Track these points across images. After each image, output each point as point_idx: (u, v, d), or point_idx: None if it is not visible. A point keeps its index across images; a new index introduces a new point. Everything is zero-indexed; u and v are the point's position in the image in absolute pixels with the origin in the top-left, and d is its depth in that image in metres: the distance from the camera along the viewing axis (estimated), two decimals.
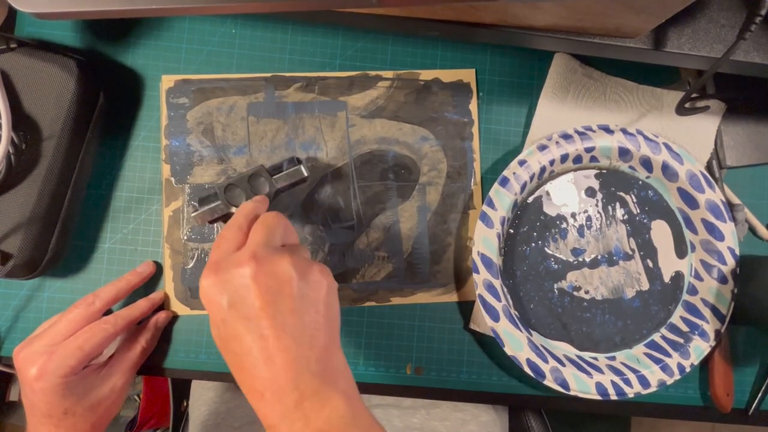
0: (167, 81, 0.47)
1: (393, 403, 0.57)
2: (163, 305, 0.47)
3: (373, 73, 0.48)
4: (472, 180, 0.49)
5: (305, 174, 0.43)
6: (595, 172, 0.49)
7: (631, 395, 0.45)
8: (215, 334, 0.32)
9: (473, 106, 0.49)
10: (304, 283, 0.32)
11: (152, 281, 0.47)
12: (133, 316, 0.43)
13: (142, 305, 0.44)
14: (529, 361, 0.45)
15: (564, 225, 0.48)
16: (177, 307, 0.47)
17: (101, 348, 0.40)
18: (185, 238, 0.47)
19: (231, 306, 0.30)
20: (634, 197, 0.49)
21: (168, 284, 0.47)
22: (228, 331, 0.31)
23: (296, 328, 0.31)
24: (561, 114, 0.49)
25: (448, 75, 0.49)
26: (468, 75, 0.49)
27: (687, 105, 0.43)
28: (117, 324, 0.41)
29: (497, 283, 0.45)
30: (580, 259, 0.48)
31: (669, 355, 0.46)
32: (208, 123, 0.47)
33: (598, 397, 0.45)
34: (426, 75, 0.49)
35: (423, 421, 0.55)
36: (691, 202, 0.47)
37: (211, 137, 0.47)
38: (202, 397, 0.60)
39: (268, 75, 0.48)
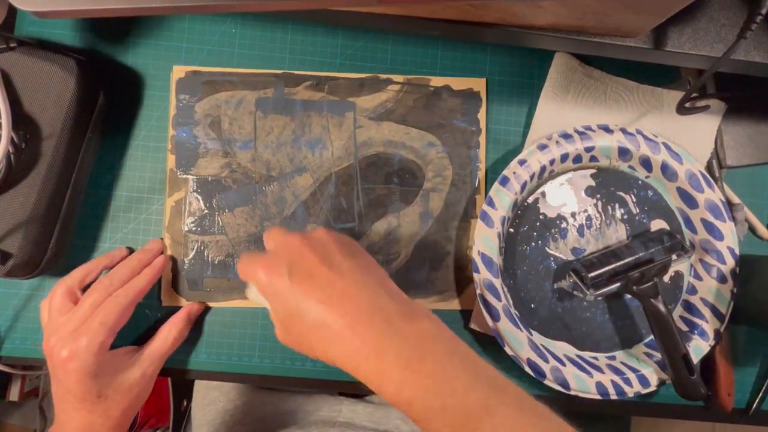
0: (178, 72, 0.47)
1: None
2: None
3: (383, 76, 0.48)
4: (476, 189, 0.49)
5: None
6: (594, 171, 0.49)
7: (631, 395, 0.45)
8: (279, 316, 0.34)
9: (482, 115, 0.49)
10: (340, 241, 0.35)
11: None
12: (141, 285, 0.43)
13: (147, 273, 0.44)
14: (529, 361, 0.45)
15: (564, 224, 0.48)
16: (173, 299, 0.47)
17: (122, 320, 0.41)
18: (186, 229, 0.47)
19: (289, 273, 0.32)
20: (633, 197, 0.49)
21: (166, 275, 0.47)
22: (294, 299, 0.32)
23: (353, 268, 0.33)
24: (561, 113, 0.49)
25: (458, 83, 0.49)
26: (478, 84, 0.49)
27: (687, 104, 0.43)
28: (129, 295, 0.42)
29: (497, 283, 0.45)
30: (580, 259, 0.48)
31: None
32: (215, 116, 0.47)
33: (598, 397, 0.45)
34: (436, 81, 0.49)
35: None
36: (691, 202, 0.47)
37: (217, 130, 0.47)
38: (207, 396, 0.60)
39: (279, 72, 0.48)
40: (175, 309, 0.47)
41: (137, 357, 0.43)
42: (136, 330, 0.47)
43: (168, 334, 0.44)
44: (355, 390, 0.49)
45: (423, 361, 0.30)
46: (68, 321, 0.40)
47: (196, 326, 0.47)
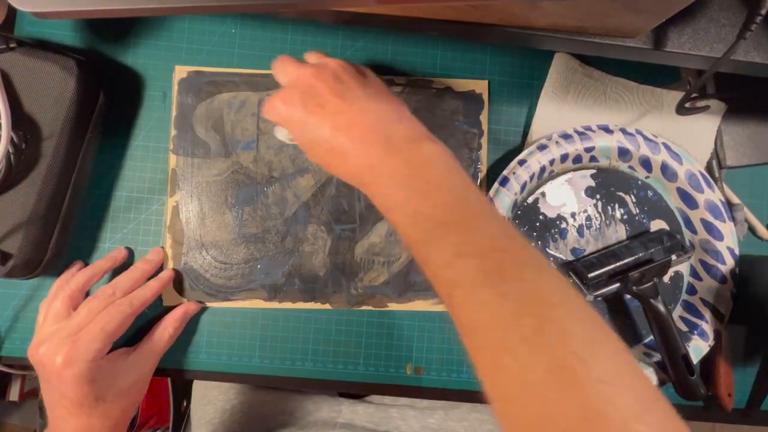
0: (180, 72, 0.47)
1: (409, 403, 0.57)
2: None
3: (385, 77, 0.48)
4: None
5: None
6: (594, 171, 0.49)
7: None
8: (301, 142, 0.37)
9: (484, 117, 0.49)
10: (354, 70, 0.37)
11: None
12: (147, 297, 0.43)
13: (153, 285, 0.44)
14: None
15: (564, 225, 0.48)
16: (174, 298, 0.47)
17: (122, 329, 0.41)
18: (187, 229, 0.47)
19: (304, 104, 0.35)
20: (633, 197, 0.49)
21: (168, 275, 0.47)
22: (310, 128, 0.35)
23: (363, 97, 0.35)
24: (561, 114, 0.49)
25: (460, 85, 0.49)
26: (480, 86, 0.49)
27: (687, 105, 0.43)
28: (133, 305, 0.42)
29: None
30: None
31: None
32: (218, 116, 0.47)
33: None
34: (438, 83, 0.49)
35: (440, 421, 0.55)
36: (691, 202, 0.47)
37: (220, 130, 0.47)
38: (206, 396, 0.60)
39: None
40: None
41: (134, 358, 0.43)
42: (134, 329, 0.47)
43: (164, 333, 0.44)
44: (354, 390, 0.49)
45: (411, 177, 0.32)
46: (61, 328, 0.39)
47: (195, 326, 0.47)
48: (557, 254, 0.48)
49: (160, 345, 0.44)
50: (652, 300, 0.45)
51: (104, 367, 0.40)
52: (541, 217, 0.48)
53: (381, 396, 0.59)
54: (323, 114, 0.34)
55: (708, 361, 0.48)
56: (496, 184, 0.46)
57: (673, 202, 0.49)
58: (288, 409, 0.56)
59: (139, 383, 0.43)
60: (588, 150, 0.46)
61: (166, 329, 0.45)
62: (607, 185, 0.49)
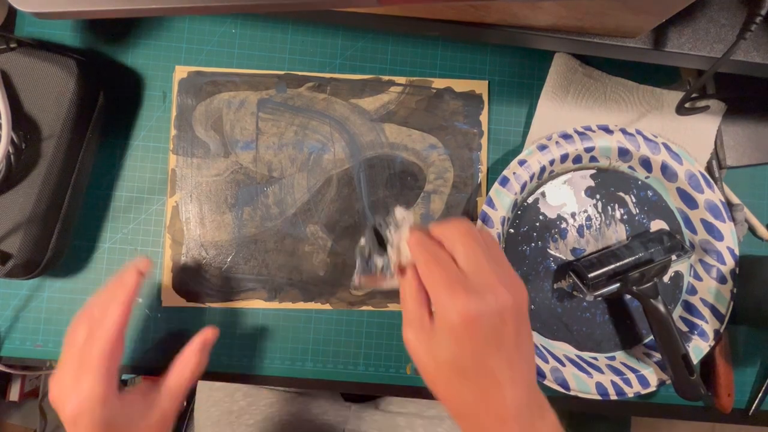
0: (180, 72, 0.47)
1: (416, 411, 0.57)
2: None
3: (385, 77, 0.48)
4: (477, 191, 0.49)
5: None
6: (594, 172, 0.49)
7: (630, 395, 0.45)
8: (451, 370, 0.32)
9: (484, 117, 0.49)
10: (521, 315, 0.33)
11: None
12: (127, 291, 0.38)
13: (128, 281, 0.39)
14: None
15: (564, 225, 0.48)
16: (173, 299, 0.47)
17: (119, 338, 0.37)
18: (186, 229, 0.47)
19: (487, 341, 0.30)
20: (633, 197, 0.49)
21: (166, 275, 0.47)
22: (478, 362, 0.31)
23: (527, 354, 0.32)
24: (561, 114, 0.49)
25: (460, 85, 0.49)
26: (480, 86, 0.49)
27: (687, 105, 0.43)
28: (116, 321, 0.37)
29: None
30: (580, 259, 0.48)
31: None
32: (217, 116, 0.47)
33: (598, 397, 0.45)
34: (438, 83, 0.49)
35: (448, 431, 0.55)
36: (690, 202, 0.47)
37: (219, 130, 0.47)
38: (210, 398, 0.60)
39: (281, 72, 0.48)
40: (175, 308, 0.47)
41: (153, 397, 0.39)
42: (136, 330, 0.47)
43: (184, 368, 0.41)
44: (354, 390, 0.49)
45: None
46: (64, 361, 0.36)
47: (195, 327, 0.47)
48: (557, 254, 0.48)
49: (181, 381, 0.40)
50: (652, 300, 0.45)
51: (119, 410, 0.36)
52: (541, 217, 0.48)
53: (387, 402, 0.58)
54: (497, 357, 0.31)
55: (708, 361, 0.48)
56: (496, 184, 0.46)
57: (673, 202, 0.49)
58: (293, 410, 0.56)
59: (161, 422, 0.39)
60: (588, 150, 0.46)
61: (186, 365, 0.41)
62: (607, 185, 0.49)
